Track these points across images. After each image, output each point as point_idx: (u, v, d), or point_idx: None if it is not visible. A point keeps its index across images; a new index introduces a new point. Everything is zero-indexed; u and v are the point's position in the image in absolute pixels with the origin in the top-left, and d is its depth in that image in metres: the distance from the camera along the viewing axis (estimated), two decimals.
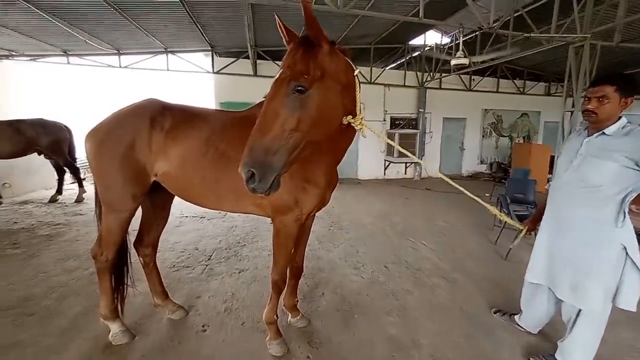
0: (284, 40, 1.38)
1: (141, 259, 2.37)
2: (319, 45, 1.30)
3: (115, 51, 7.71)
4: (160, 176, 1.92)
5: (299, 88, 1.23)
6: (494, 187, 7.30)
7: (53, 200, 5.98)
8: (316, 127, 1.29)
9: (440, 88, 10.37)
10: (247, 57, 8.36)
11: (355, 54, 9.43)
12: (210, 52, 8.32)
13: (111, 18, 5.70)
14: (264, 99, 1.97)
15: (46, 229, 4.43)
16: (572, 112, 5.54)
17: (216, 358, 2.06)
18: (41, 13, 5.11)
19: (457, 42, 7.28)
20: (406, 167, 10.44)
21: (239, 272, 3.28)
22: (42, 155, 5.92)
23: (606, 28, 4.92)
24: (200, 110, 2.04)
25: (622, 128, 1.72)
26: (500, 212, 2.37)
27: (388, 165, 10.29)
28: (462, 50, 6.51)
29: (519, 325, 2.40)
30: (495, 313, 2.60)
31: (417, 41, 9.15)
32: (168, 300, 2.48)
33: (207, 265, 3.43)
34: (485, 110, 11.09)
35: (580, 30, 5.10)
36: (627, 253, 1.68)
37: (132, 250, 2.30)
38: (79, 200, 6.01)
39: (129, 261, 2.28)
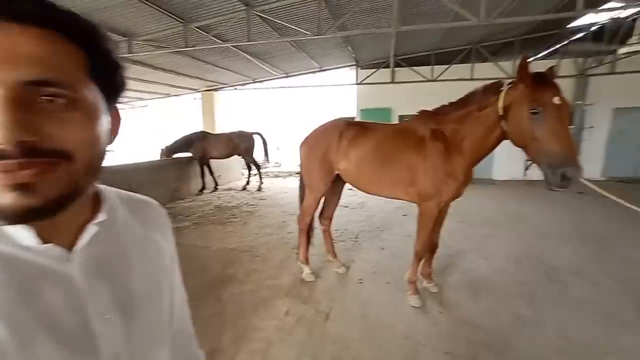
0: (524, 77, 2.06)
1: (322, 227, 3.51)
2: None
3: (285, 74, 9.97)
4: (342, 170, 2.94)
5: None
6: None
7: (243, 189, 8.39)
8: None
9: (612, 73, 8.64)
10: (386, 67, 9.25)
11: (496, 48, 9.04)
12: (354, 67, 9.64)
13: (287, 50, 7.57)
14: (417, 114, 2.72)
15: (246, 207, 6.45)
16: None
17: (371, 300, 2.94)
18: (249, 57, 7.37)
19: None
20: None
21: (381, 249, 4.15)
22: (240, 156, 8.38)
23: None
24: (371, 124, 2.98)
25: None
26: None
27: (530, 165, 9.31)
28: None
29: None
30: None
31: (582, 21, 7.82)
32: (336, 258, 3.56)
33: (356, 242, 4.45)
34: None
35: None
36: None
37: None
38: (259, 189, 8.20)
39: (313, 228, 3.43)
